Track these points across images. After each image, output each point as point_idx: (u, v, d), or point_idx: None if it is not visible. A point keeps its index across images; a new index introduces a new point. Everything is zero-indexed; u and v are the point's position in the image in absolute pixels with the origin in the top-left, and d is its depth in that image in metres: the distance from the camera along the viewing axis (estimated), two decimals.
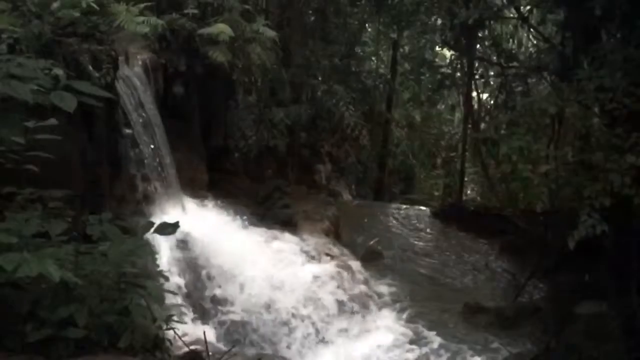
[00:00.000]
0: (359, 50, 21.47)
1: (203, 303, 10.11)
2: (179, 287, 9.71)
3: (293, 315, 10.47)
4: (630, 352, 8.97)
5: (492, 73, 18.54)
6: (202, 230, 10.66)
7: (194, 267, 10.36)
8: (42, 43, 7.70)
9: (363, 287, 11.86)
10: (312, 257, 12.02)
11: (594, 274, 10.49)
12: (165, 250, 9.87)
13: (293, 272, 11.26)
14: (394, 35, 21.26)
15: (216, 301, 10.24)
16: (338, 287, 11.37)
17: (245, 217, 12.33)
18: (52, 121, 4.42)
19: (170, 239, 9.90)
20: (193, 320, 9.44)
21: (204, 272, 10.40)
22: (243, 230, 11.83)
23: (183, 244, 10.38)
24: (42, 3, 8.00)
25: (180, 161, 11.83)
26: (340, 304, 11.10)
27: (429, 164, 25.60)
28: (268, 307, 10.38)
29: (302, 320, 10.48)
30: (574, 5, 10.59)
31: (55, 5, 8.17)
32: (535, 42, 17.53)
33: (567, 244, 8.35)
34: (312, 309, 10.71)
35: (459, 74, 18.06)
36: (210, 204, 12.15)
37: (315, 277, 11.28)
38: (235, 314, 10.16)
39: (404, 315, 11.50)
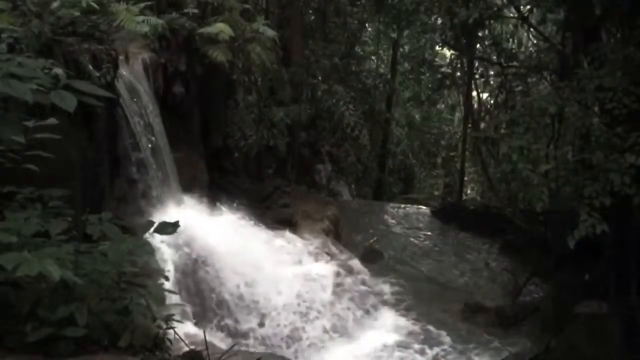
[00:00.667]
0: (359, 50, 21.49)
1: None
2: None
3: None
4: (631, 351, 8.97)
5: (492, 72, 18.58)
6: (202, 231, 10.65)
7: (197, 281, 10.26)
8: (42, 42, 7.68)
9: (365, 288, 11.88)
10: (315, 258, 12.02)
11: (594, 274, 10.49)
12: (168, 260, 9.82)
13: (295, 273, 11.27)
14: (394, 35, 21.29)
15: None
16: (350, 296, 11.42)
17: (245, 217, 12.32)
18: (52, 120, 4.41)
19: (172, 248, 9.90)
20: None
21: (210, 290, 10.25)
22: (244, 230, 11.82)
23: (185, 247, 10.34)
24: (42, 2, 7.98)
25: (180, 160, 11.82)
26: (350, 310, 11.14)
27: (428, 164, 25.65)
28: (290, 338, 10.23)
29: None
30: (574, 4, 10.58)
31: (55, 4, 8.16)
32: (535, 41, 17.55)
33: (567, 243, 8.34)
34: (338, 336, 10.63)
35: (459, 74, 18.10)
36: (209, 203, 12.14)
37: (329, 288, 11.28)
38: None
39: (406, 316, 11.53)
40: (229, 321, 9.96)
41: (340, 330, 10.67)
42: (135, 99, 10.46)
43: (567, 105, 9.03)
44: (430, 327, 11.10)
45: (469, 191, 23.06)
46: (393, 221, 16.57)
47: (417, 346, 10.52)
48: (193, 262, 10.23)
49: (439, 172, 25.69)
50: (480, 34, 16.17)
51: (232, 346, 8.14)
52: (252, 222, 12.24)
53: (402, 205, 18.23)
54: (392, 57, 22.28)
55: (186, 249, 10.23)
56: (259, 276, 10.69)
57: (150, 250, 4.75)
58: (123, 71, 10.20)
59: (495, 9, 14.13)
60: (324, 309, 10.82)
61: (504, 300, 12.38)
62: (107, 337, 3.98)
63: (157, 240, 9.05)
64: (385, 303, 11.93)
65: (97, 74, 8.61)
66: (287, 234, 12.46)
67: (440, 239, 15.62)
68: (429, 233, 15.99)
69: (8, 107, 4.04)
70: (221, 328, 9.80)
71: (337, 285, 11.46)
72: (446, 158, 24.80)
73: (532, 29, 15.89)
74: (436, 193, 25.06)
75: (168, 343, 4.39)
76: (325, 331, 10.52)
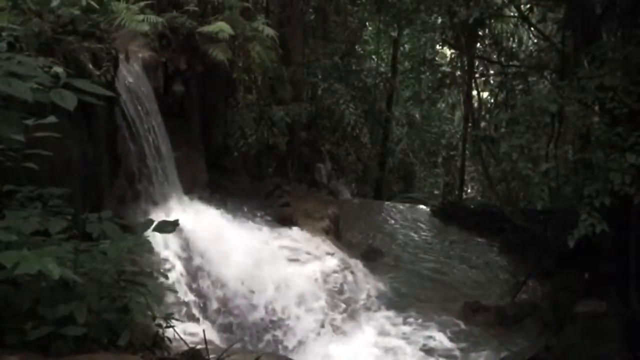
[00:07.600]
0: (359, 49, 21.48)
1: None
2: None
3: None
4: (630, 351, 8.97)
5: (492, 72, 18.58)
6: (202, 229, 10.65)
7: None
8: (41, 41, 7.69)
9: (365, 286, 11.88)
10: (316, 257, 12.02)
11: (593, 273, 10.48)
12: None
13: (296, 271, 11.27)
14: (394, 34, 21.28)
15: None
16: (350, 294, 11.45)
17: (246, 216, 12.32)
18: (52, 119, 4.41)
19: (173, 247, 9.89)
20: None
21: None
22: (244, 229, 11.81)
23: (185, 245, 10.33)
24: (42, 1, 7.98)
25: (181, 160, 11.83)
26: (350, 308, 11.15)
27: (429, 163, 25.66)
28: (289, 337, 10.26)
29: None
30: (575, 3, 10.57)
31: (55, 3, 8.15)
32: (535, 40, 17.53)
33: (567, 242, 8.33)
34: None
35: (459, 73, 18.09)
36: (209, 202, 12.14)
37: (329, 287, 11.32)
38: None
39: (406, 314, 11.52)
40: (228, 320, 9.97)
41: (340, 329, 10.68)
42: (135, 98, 10.46)
43: (567, 105, 9.01)
44: (430, 326, 11.10)
45: (469, 190, 23.09)
46: (393, 220, 16.57)
47: (416, 345, 10.52)
48: (192, 261, 10.24)
49: (439, 171, 25.70)
50: (480, 33, 16.15)
51: (232, 345, 8.15)
52: (252, 221, 12.23)
53: (403, 205, 18.24)
54: (392, 56, 22.27)
55: (186, 248, 10.23)
56: (259, 275, 10.70)
57: (150, 249, 4.75)
58: (123, 70, 10.20)
59: (496, 8, 14.12)
60: (323, 307, 10.82)
61: (504, 299, 12.39)
62: (107, 335, 3.98)
63: (158, 238, 9.08)
64: (384, 302, 11.93)
65: (97, 73, 8.62)
66: (288, 232, 12.46)
67: (440, 238, 15.63)
68: (429, 232, 15.99)
69: (8, 105, 4.03)
70: (221, 326, 9.81)
71: (338, 284, 11.46)
72: (446, 157, 24.81)
73: (532, 28, 15.85)
74: (436, 192, 25.08)
75: (168, 342, 4.39)
76: (325, 329, 10.52)
